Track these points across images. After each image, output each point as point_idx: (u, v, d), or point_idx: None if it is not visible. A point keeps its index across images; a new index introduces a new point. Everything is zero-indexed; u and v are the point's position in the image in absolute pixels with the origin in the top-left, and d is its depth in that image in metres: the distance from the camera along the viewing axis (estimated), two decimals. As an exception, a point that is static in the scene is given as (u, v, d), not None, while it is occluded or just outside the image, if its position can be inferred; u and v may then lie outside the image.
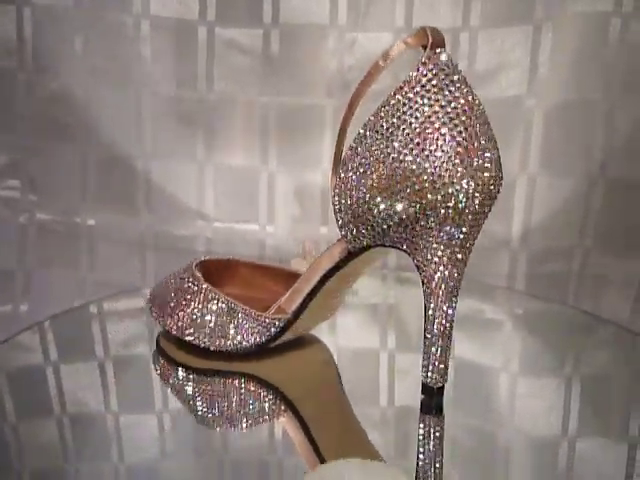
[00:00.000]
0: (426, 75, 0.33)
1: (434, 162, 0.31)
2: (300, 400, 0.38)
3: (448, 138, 0.31)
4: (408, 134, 0.32)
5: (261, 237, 0.74)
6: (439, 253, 0.33)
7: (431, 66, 0.33)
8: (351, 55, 0.70)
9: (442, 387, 0.34)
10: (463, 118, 0.32)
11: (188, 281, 0.43)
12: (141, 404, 0.38)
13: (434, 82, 0.33)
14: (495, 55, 0.67)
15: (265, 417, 0.37)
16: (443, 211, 0.32)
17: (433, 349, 0.33)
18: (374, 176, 0.32)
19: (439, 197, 0.31)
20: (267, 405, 0.38)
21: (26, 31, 0.71)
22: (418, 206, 0.31)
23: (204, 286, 0.41)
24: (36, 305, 0.74)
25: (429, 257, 0.33)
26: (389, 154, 0.32)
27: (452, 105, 0.32)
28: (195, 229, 0.74)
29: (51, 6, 0.70)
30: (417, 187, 0.31)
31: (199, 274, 0.43)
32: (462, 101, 0.32)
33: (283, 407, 0.38)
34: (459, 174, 0.31)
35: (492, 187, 0.33)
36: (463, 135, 0.32)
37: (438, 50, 0.34)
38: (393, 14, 0.69)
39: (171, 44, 0.71)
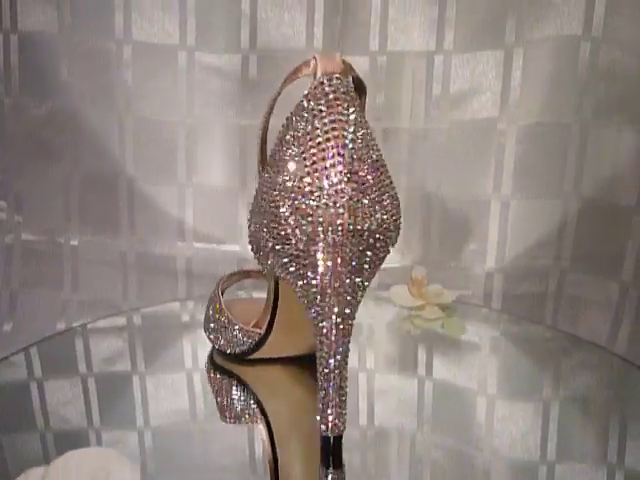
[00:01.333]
0: (307, 102, 0.31)
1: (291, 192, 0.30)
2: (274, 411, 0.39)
3: (299, 173, 0.30)
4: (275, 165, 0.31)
5: (242, 257, 0.74)
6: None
7: (310, 95, 0.31)
8: (328, 79, 0.71)
9: (340, 437, 0.30)
10: (313, 151, 0.29)
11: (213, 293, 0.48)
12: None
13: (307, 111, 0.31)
14: (468, 79, 0.68)
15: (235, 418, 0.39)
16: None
17: (325, 395, 0.29)
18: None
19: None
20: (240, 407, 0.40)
21: (12, 57, 0.73)
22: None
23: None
24: (20, 325, 0.75)
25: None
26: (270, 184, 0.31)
27: (310, 136, 0.30)
28: (176, 249, 0.75)
29: (37, 32, 0.72)
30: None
31: (219, 290, 0.47)
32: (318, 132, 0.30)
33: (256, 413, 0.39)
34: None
35: (342, 222, 0.29)
36: (310, 169, 0.29)
37: (320, 78, 0.31)
38: (367, 39, 0.70)
39: (152, 69, 0.72)
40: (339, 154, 0.29)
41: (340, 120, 0.29)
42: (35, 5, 0.71)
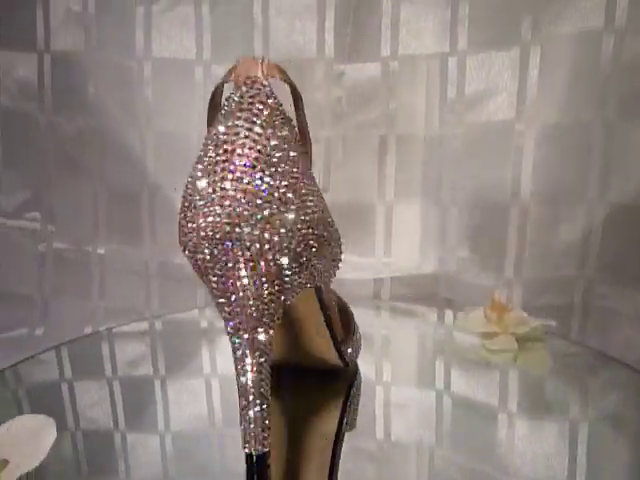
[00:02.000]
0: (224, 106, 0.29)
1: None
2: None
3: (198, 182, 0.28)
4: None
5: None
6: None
7: (226, 99, 0.29)
8: (339, 87, 0.71)
9: (262, 455, 0.29)
10: (210, 155, 0.28)
11: None
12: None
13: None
14: (483, 80, 0.65)
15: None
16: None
17: (245, 411, 0.28)
18: None
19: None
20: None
21: (46, 77, 0.78)
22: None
23: None
24: (51, 329, 0.79)
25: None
26: None
27: (209, 140, 0.28)
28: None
29: (67, 52, 0.76)
30: None
31: None
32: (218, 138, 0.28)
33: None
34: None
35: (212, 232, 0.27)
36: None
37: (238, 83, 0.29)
38: (379, 44, 0.69)
39: (171, 84, 0.75)
40: (227, 161, 0.27)
41: (236, 126, 0.27)
42: (65, 26, 0.76)
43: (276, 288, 0.28)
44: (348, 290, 0.73)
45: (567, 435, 0.41)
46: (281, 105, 0.29)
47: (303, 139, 0.32)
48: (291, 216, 0.28)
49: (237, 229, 0.26)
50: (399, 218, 0.71)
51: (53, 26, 0.76)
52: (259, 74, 0.29)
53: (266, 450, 0.28)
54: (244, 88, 0.28)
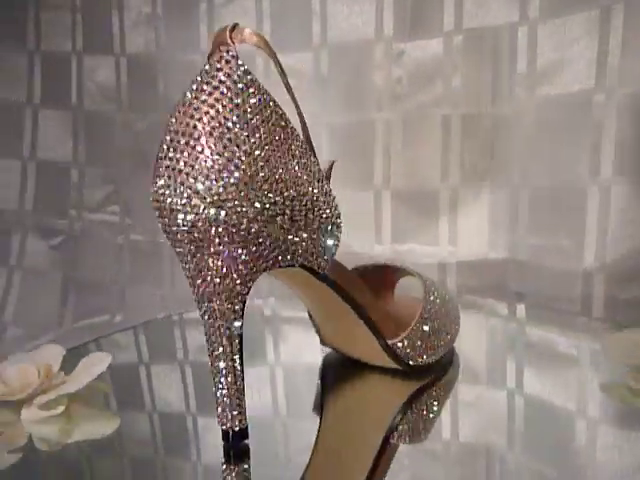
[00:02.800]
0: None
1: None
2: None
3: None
4: None
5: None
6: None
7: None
8: (399, 66, 0.67)
9: (241, 431, 0.29)
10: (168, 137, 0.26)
11: None
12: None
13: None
14: (558, 48, 0.59)
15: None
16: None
17: (220, 390, 0.28)
18: None
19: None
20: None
21: (122, 78, 0.82)
22: None
23: None
24: (128, 316, 0.83)
25: None
26: None
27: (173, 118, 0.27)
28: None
29: (140, 54, 0.80)
30: None
31: None
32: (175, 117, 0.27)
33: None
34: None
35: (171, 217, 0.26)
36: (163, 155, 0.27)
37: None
38: (441, 18, 0.64)
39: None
40: (187, 134, 0.26)
41: (198, 98, 0.26)
42: (137, 28, 0.79)
43: (239, 267, 0.27)
44: (411, 281, 0.70)
45: None
46: (249, 73, 0.27)
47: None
48: (243, 191, 0.26)
49: (193, 207, 0.26)
50: (465, 204, 0.66)
51: (127, 29, 0.80)
52: (228, 40, 0.27)
53: (243, 427, 0.28)
54: (214, 57, 0.27)
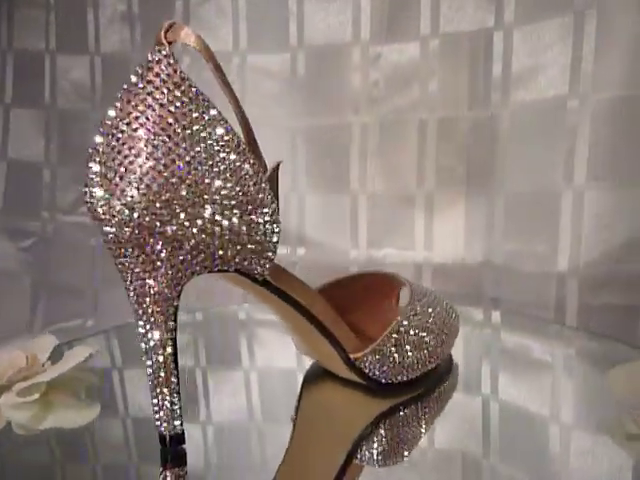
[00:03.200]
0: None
1: None
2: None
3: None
4: None
5: (292, 260, 0.73)
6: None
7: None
8: (376, 70, 0.67)
9: (177, 436, 0.29)
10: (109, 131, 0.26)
11: None
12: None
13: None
14: (532, 53, 0.59)
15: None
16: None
17: (154, 395, 0.28)
18: None
19: None
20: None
21: (97, 77, 0.81)
22: None
23: None
24: (101, 320, 0.81)
25: None
26: None
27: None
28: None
29: (115, 53, 0.79)
30: None
31: None
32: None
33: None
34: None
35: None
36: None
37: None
38: (418, 22, 0.64)
39: (209, 76, 0.74)
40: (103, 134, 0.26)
41: (121, 96, 0.26)
42: (112, 26, 0.78)
43: (165, 271, 0.27)
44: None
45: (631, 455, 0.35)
46: (178, 72, 0.26)
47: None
48: (133, 192, 0.25)
49: (111, 208, 0.26)
50: (441, 208, 0.66)
51: (102, 28, 0.79)
52: (162, 40, 0.26)
53: (179, 432, 0.29)
54: (148, 56, 0.26)
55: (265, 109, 0.72)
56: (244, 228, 0.28)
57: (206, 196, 0.26)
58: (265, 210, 0.28)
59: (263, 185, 0.28)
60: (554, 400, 0.44)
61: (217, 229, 0.27)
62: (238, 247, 0.28)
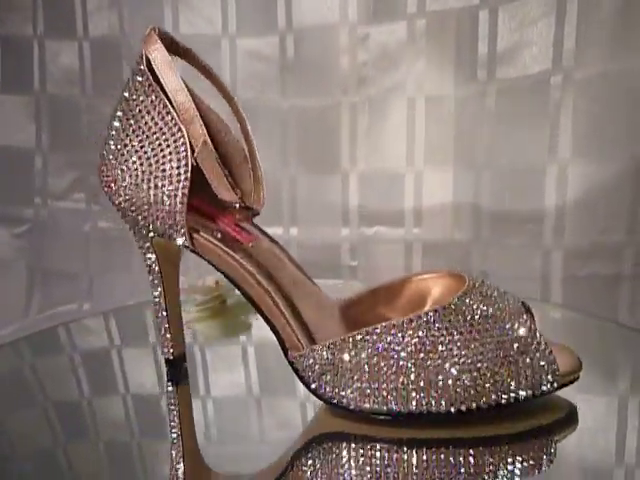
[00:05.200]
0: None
1: None
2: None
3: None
4: None
5: (285, 239, 0.74)
6: None
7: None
8: (364, 50, 0.68)
9: (175, 359, 0.35)
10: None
11: None
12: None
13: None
14: (517, 30, 0.60)
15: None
16: None
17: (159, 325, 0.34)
18: None
19: None
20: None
21: (86, 62, 0.81)
22: None
23: None
24: (97, 304, 0.82)
25: None
26: None
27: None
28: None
29: (103, 37, 0.79)
30: None
31: None
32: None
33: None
34: None
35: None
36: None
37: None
38: (405, 1, 0.65)
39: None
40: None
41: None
42: (101, 12, 0.78)
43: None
44: (378, 262, 0.71)
45: (616, 409, 0.36)
46: (143, 75, 0.30)
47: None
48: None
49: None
50: (430, 185, 0.67)
51: (90, 13, 0.79)
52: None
53: (174, 356, 0.34)
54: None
55: (255, 91, 0.73)
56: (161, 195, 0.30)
57: (138, 169, 0.31)
58: (177, 180, 0.30)
59: (185, 159, 0.30)
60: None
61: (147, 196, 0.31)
62: (159, 213, 0.31)
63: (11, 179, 0.85)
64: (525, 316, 0.30)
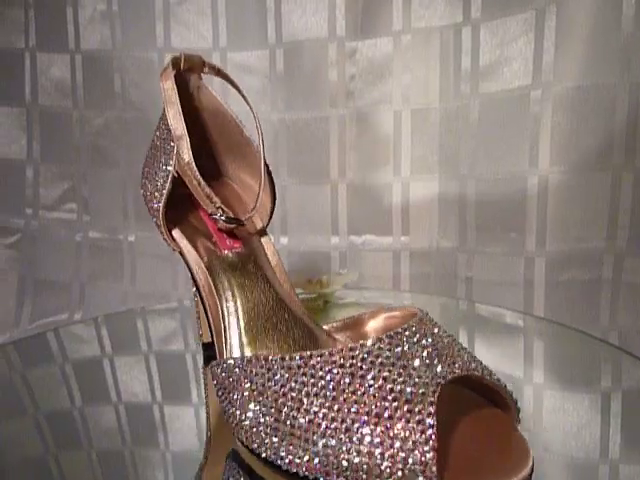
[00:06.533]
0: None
1: None
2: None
3: None
4: None
5: (276, 248, 0.75)
6: None
7: None
8: (353, 64, 0.70)
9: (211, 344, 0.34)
10: None
11: None
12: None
13: None
14: (498, 47, 0.63)
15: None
16: None
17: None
18: None
19: None
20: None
21: (78, 74, 0.82)
22: None
23: None
24: (88, 314, 0.83)
25: None
26: None
27: None
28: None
29: (95, 51, 0.80)
30: None
31: None
32: None
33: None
34: None
35: None
36: None
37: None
38: (391, 17, 0.67)
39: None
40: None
41: None
42: (92, 25, 0.79)
43: None
44: (367, 270, 0.73)
45: (599, 405, 0.38)
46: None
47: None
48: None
49: None
50: (416, 195, 0.70)
51: (82, 26, 0.80)
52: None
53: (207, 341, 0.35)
54: None
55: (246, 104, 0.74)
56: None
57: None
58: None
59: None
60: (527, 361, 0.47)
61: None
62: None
63: (3, 190, 0.85)
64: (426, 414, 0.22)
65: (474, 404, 0.28)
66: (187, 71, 0.36)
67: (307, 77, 0.72)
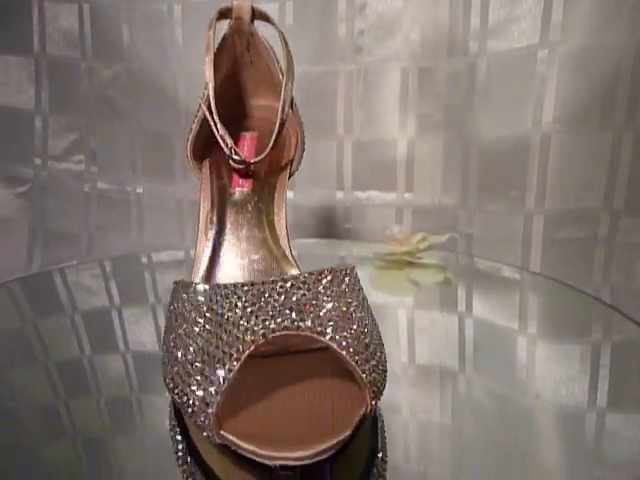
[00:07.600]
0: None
1: None
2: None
3: None
4: None
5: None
6: None
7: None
8: (362, 19, 0.70)
9: None
10: None
11: None
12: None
13: None
14: (507, 4, 0.63)
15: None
16: None
17: None
18: None
19: None
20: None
21: (86, 25, 0.82)
22: None
23: None
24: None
25: None
26: None
27: None
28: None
29: (103, 0, 0.80)
30: None
31: None
32: None
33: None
34: None
35: None
36: None
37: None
38: (401, -28, 0.67)
39: (200, 25, 0.76)
40: None
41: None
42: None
43: None
44: (370, 224, 0.74)
45: (589, 356, 0.40)
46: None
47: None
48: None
49: None
50: (421, 153, 0.71)
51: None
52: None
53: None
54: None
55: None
56: None
57: None
58: None
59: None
60: (522, 314, 0.49)
61: None
62: None
63: (12, 140, 0.86)
64: None
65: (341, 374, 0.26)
66: (237, 19, 0.41)
67: (316, 31, 0.72)
